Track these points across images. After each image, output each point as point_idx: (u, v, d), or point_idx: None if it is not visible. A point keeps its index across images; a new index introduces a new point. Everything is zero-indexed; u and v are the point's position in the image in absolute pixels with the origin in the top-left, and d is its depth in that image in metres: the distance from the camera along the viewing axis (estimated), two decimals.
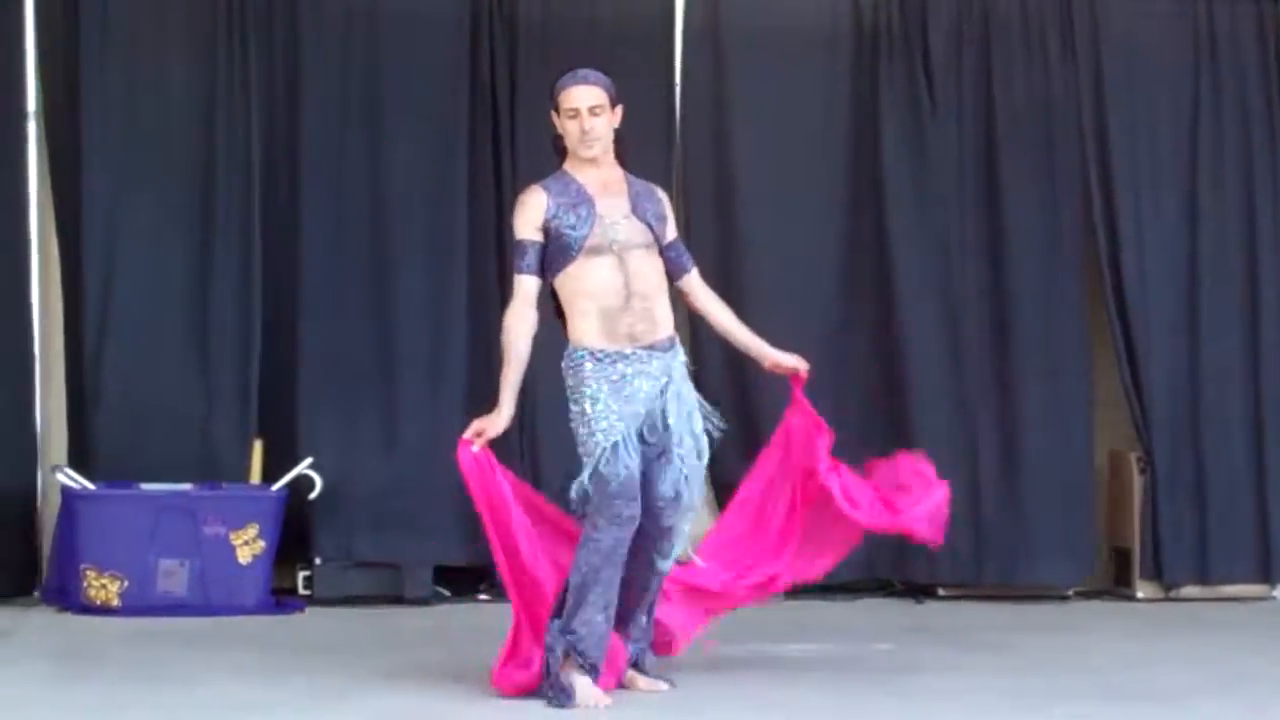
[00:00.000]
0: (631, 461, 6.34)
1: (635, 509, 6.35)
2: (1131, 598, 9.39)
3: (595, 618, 6.35)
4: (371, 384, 9.02)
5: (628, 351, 6.43)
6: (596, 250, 6.46)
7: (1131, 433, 9.44)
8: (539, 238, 6.50)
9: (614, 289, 6.45)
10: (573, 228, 6.46)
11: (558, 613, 6.40)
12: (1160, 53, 9.52)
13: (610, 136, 6.56)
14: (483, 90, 9.14)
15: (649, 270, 6.53)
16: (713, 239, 9.25)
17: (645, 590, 6.58)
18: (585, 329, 6.47)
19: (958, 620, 8.66)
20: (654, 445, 6.43)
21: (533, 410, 8.97)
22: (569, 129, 6.52)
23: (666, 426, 6.45)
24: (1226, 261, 9.48)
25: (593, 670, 6.38)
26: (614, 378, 6.40)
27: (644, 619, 6.67)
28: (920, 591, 9.26)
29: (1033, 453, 9.33)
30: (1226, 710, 6.52)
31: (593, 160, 6.53)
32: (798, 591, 8.96)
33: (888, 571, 9.31)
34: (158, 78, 8.94)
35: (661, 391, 6.46)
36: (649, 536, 6.44)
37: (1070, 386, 9.37)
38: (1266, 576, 9.44)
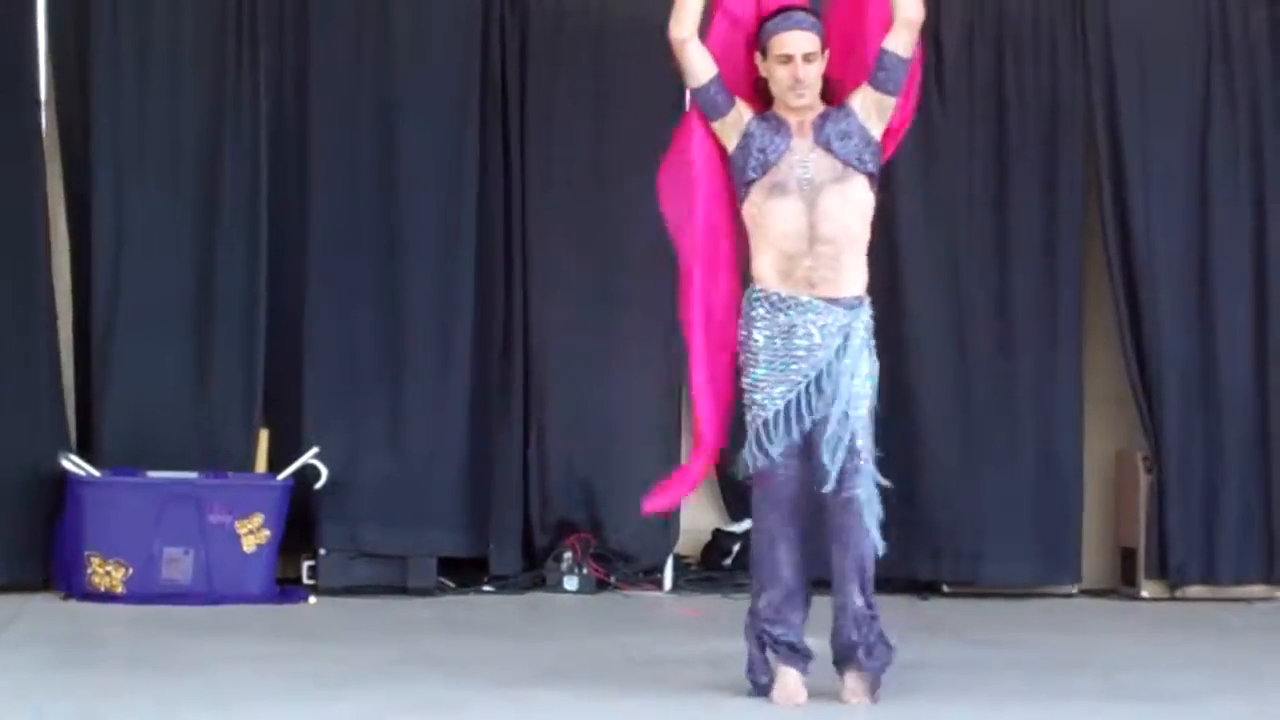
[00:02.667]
0: (790, 435, 6.13)
1: (791, 487, 6.18)
2: (1137, 597, 9.38)
3: (772, 595, 6.27)
4: (377, 375, 9.02)
5: (804, 299, 6.16)
6: (781, 189, 6.17)
7: (1138, 432, 9.42)
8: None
9: (796, 233, 6.16)
10: (761, 152, 6.19)
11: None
12: (1172, 52, 9.50)
13: (819, 84, 6.23)
14: (493, 86, 9.13)
15: (841, 210, 6.19)
16: None
17: (836, 572, 6.32)
18: (764, 270, 6.21)
19: (961, 617, 8.65)
20: (817, 411, 6.14)
21: (540, 385, 9.01)
22: (779, 75, 6.18)
23: (828, 392, 6.13)
24: (1237, 261, 9.47)
25: (791, 656, 6.29)
26: (784, 326, 6.15)
27: (856, 602, 6.34)
28: (924, 588, 9.25)
29: (1029, 452, 9.32)
30: (1232, 710, 6.50)
31: (803, 108, 6.23)
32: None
33: (890, 568, 9.28)
34: (168, 70, 8.93)
35: (837, 353, 6.16)
36: (827, 510, 6.23)
37: (1066, 386, 9.37)
38: (1272, 577, 9.43)
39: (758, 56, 6.27)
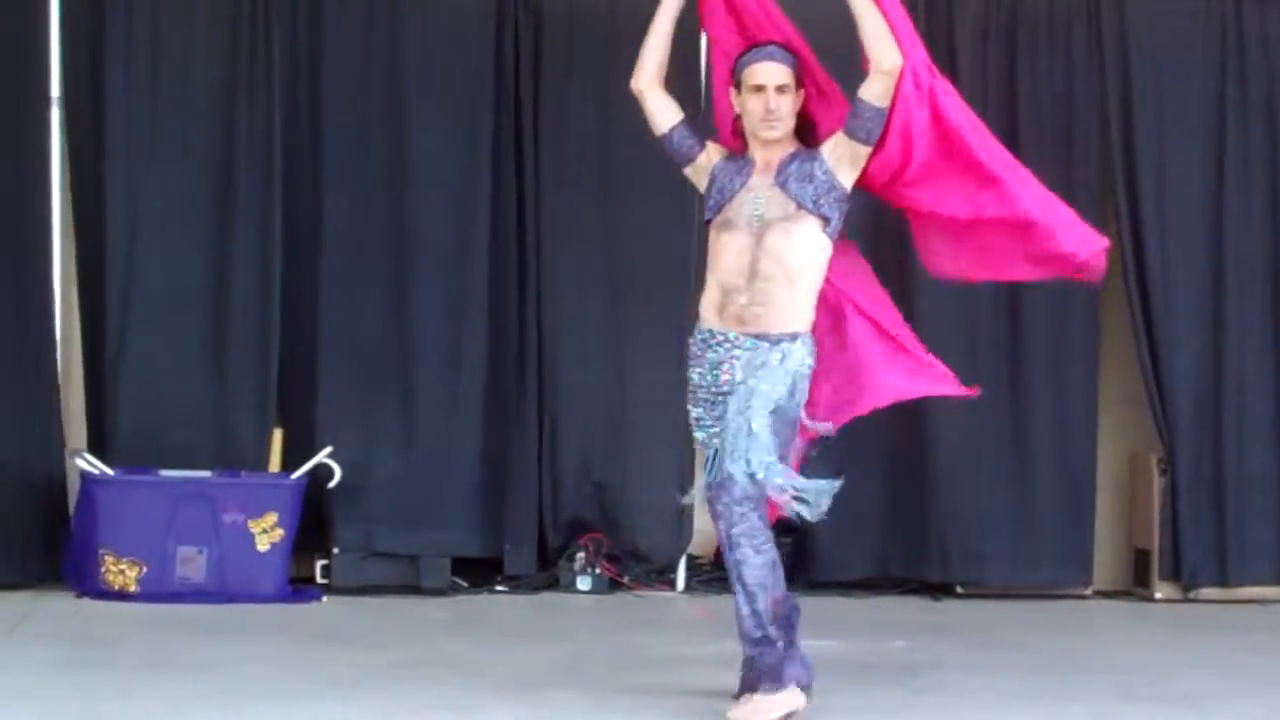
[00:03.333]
0: (722, 459, 6.09)
1: (725, 508, 6.10)
2: (1150, 599, 9.37)
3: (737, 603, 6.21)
4: (391, 374, 9.03)
5: (731, 334, 6.13)
6: (731, 225, 6.15)
7: (1152, 434, 9.41)
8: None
9: (738, 268, 6.13)
10: (720, 191, 6.21)
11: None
12: (1187, 51, 9.48)
13: (793, 120, 6.20)
14: (506, 83, 9.13)
15: (785, 249, 6.11)
16: None
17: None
18: (705, 305, 6.22)
19: (974, 619, 8.65)
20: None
21: (553, 384, 9.02)
22: (751, 107, 6.16)
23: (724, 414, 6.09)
24: (1251, 262, 9.45)
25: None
26: (712, 364, 6.15)
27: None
28: (937, 590, 9.24)
29: (1042, 453, 9.32)
30: (1244, 713, 6.51)
31: (775, 142, 6.20)
32: (816, 588, 9.04)
33: (903, 569, 9.30)
34: (181, 66, 8.94)
35: (742, 381, 6.09)
36: None
37: (1079, 388, 9.36)
38: None
39: (732, 92, 6.26)
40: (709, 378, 6.16)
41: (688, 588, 9.21)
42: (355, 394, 8.97)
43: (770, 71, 6.16)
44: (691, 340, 6.24)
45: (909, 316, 9.00)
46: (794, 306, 6.14)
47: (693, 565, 9.35)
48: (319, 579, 8.84)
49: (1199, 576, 9.34)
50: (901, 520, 9.26)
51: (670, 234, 9.06)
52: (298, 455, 8.78)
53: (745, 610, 6.13)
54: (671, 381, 9.13)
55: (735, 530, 6.06)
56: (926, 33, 9.28)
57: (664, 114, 6.31)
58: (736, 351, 6.12)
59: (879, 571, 9.26)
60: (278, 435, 8.85)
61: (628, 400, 9.22)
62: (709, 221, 6.25)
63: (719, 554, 9.38)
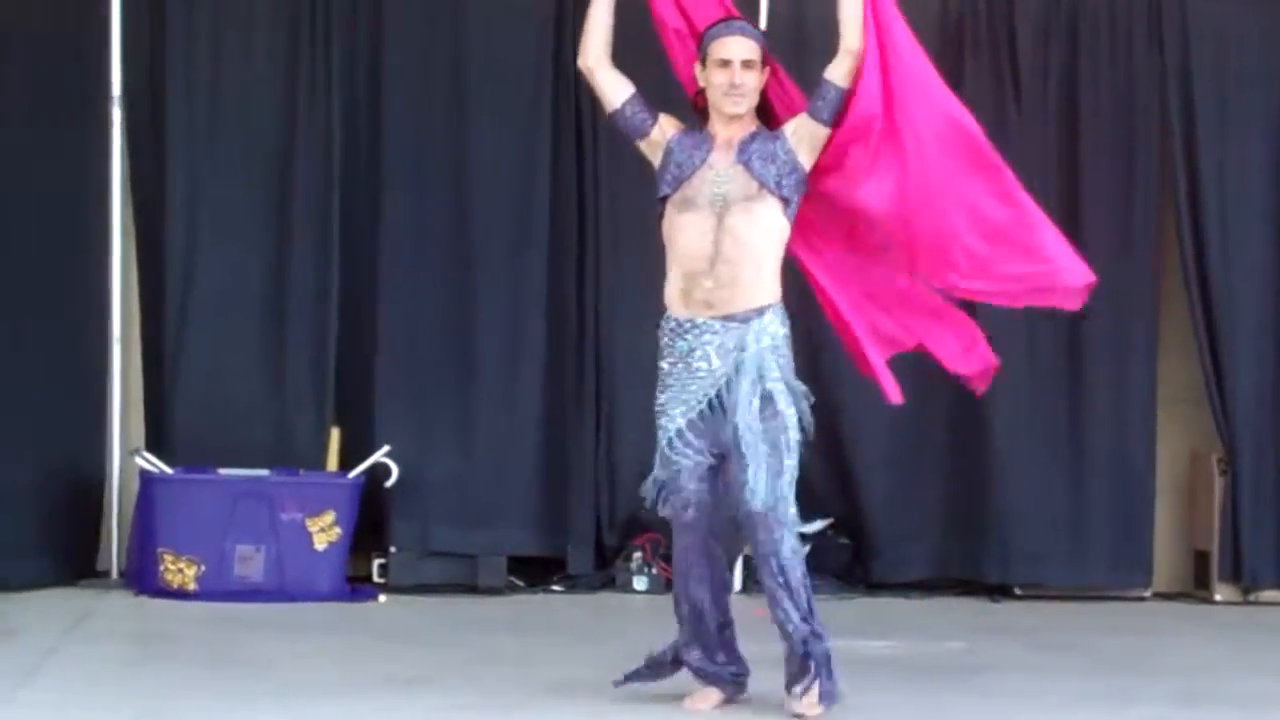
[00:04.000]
0: (688, 456, 6.07)
1: (694, 513, 6.11)
2: (1210, 600, 9.31)
3: (687, 630, 6.27)
4: (449, 373, 9.04)
5: (700, 320, 6.07)
6: (691, 204, 6.09)
7: (1212, 433, 9.36)
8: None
9: (700, 252, 6.06)
10: (679, 166, 6.13)
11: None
12: (1250, 51, 9.43)
13: (757, 96, 6.15)
14: (566, 81, 9.13)
15: (748, 231, 6.06)
16: (794, 233, 9.21)
17: (772, 601, 6.19)
18: (669, 293, 6.17)
19: (1033, 620, 8.62)
20: (721, 438, 6.05)
21: (611, 383, 9.02)
22: (716, 80, 6.10)
23: (726, 415, 6.03)
24: None
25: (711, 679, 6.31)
26: (683, 352, 6.09)
27: (793, 618, 6.17)
28: (995, 591, 9.21)
29: (1101, 454, 9.28)
30: None
31: (737, 118, 6.14)
32: (876, 589, 9.03)
33: (961, 570, 9.27)
34: (241, 65, 8.97)
35: (735, 370, 6.04)
36: (745, 527, 6.17)
37: (1138, 387, 9.31)
38: None
39: (697, 66, 6.20)
40: (680, 366, 6.10)
41: (744, 588, 9.19)
42: (413, 393, 8.98)
43: (737, 46, 6.11)
44: (660, 331, 6.19)
45: (968, 310, 9.09)
46: (760, 283, 6.10)
47: (749, 565, 9.32)
48: (376, 578, 8.86)
49: (1260, 578, 9.28)
50: (961, 521, 9.23)
51: None
52: (355, 454, 8.80)
53: (795, 613, 6.11)
54: None
55: (784, 550, 6.11)
56: (988, 30, 9.30)
57: (615, 89, 6.26)
58: (707, 337, 6.07)
59: (938, 572, 9.24)
60: (335, 434, 8.88)
61: None
62: (665, 198, 6.16)
63: None
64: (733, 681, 6.35)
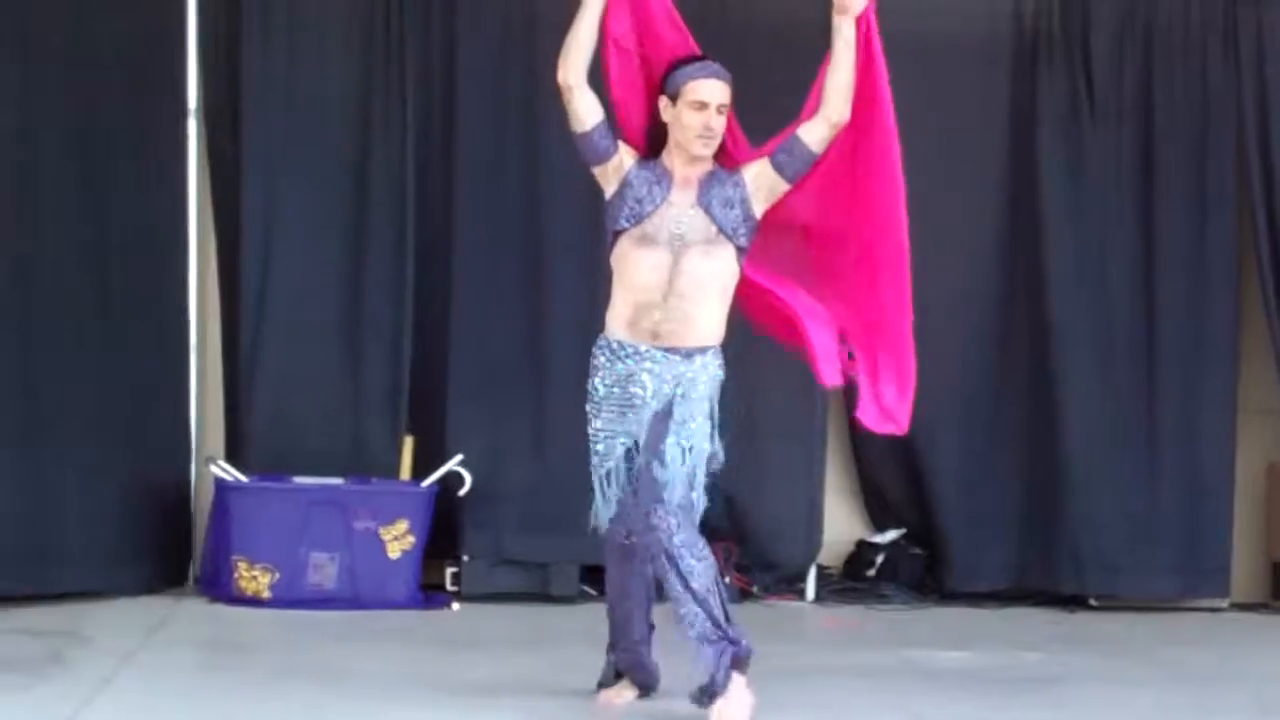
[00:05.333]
0: (626, 489, 6.15)
1: (632, 542, 6.16)
2: None
3: (631, 644, 6.40)
4: (521, 382, 9.04)
5: (643, 348, 6.13)
6: (650, 241, 6.11)
7: None
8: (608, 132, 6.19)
9: (655, 285, 6.11)
10: (638, 201, 6.13)
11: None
12: None
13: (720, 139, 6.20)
14: None
15: (704, 271, 6.12)
16: None
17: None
18: (614, 317, 6.20)
19: (1109, 631, 8.57)
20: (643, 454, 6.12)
21: None
22: (689, 121, 6.11)
23: (657, 437, 6.09)
24: None
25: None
26: (622, 375, 6.14)
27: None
28: (1070, 602, 9.16)
29: (1178, 463, 9.22)
30: None
31: (700, 160, 6.17)
32: (949, 599, 9.00)
33: (1036, 581, 9.22)
34: (315, 75, 9.00)
35: (670, 399, 6.11)
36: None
37: (1217, 397, 9.26)
38: None
39: (662, 101, 6.17)
40: (617, 390, 6.15)
41: (817, 598, 9.17)
42: (486, 401, 8.99)
43: (716, 90, 6.14)
44: (596, 350, 6.23)
45: (1042, 325, 9.07)
46: (709, 323, 6.19)
47: (823, 575, 9.31)
48: (449, 586, 8.87)
49: None
50: (1035, 531, 9.18)
51: None
52: (429, 462, 8.81)
53: (701, 616, 6.05)
54: (802, 390, 9.15)
55: (676, 540, 6.01)
56: (1062, 39, 9.26)
57: (590, 111, 6.19)
58: (648, 364, 6.13)
59: (1014, 583, 9.19)
60: (409, 443, 8.89)
61: (757, 409, 9.16)
62: (620, 230, 6.16)
63: (849, 564, 9.38)
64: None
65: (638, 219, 6.15)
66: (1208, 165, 9.32)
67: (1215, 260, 9.29)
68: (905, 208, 6.33)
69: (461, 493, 8.76)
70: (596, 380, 6.21)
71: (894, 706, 6.56)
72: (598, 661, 7.13)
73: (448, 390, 8.98)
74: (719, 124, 6.14)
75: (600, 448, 6.20)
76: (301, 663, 7.11)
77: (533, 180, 9.07)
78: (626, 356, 6.15)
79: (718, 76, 6.16)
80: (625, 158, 6.22)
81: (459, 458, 8.77)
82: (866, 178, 6.29)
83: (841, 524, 9.40)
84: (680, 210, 6.14)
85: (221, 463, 8.60)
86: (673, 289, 6.11)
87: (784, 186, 6.19)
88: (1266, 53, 9.29)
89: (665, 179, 6.18)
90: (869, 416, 6.34)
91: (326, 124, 8.99)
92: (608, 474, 6.18)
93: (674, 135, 6.17)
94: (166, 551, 8.69)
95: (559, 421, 9.00)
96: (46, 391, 8.35)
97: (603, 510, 6.22)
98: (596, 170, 6.26)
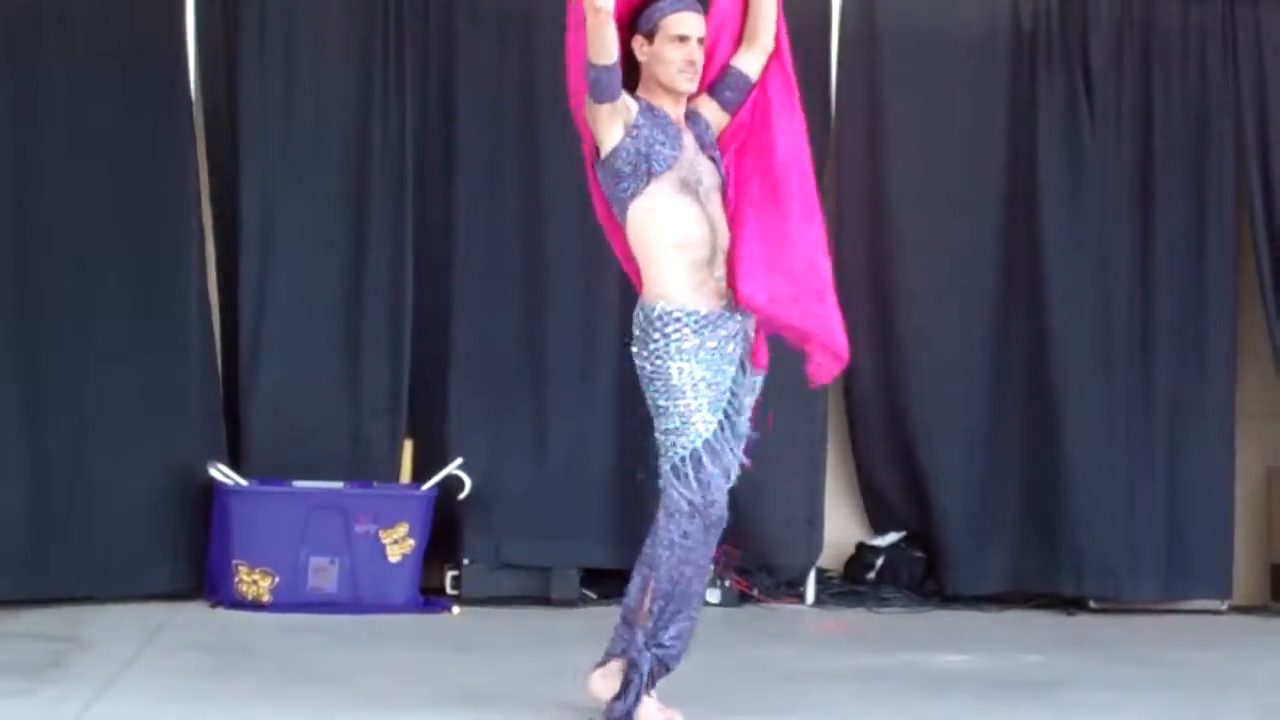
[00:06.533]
0: (729, 460, 5.85)
1: (725, 513, 5.89)
2: None
3: (685, 626, 5.97)
4: (522, 385, 9.04)
5: (718, 312, 5.82)
6: (684, 187, 5.82)
7: None
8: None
9: (702, 239, 5.81)
10: (662, 144, 5.82)
11: (640, 622, 5.98)
12: None
13: None
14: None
15: (720, 217, 5.87)
16: (866, 241, 9.24)
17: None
18: (675, 283, 5.81)
19: (1109, 633, 8.57)
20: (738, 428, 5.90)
21: None
22: (670, 56, 5.85)
23: (737, 401, 5.90)
24: None
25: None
26: (711, 344, 5.79)
27: None
28: (1070, 604, 9.16)
29: (1178, 466, 9.23)
30: None
31: (683, 95, 5.92)
32: (949, 602, 9.00)
33: (1036, 584, 9.22)
34: (315, 77, 9.00)
35: (741, 364, 5.89)
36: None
37: (1216, 401, 9.27)
38: None
39: (637, 40, 5.91)
40: (706, 364, 5.79)
41: (817, 601, 9.17)
42: (486, 405, 8.99)
43: (693, 22, 5.90)
44: (664, 325, 5.80)
45: (1042, 328, 9.07)
46: None
47: (823, 579, 9.31)
48: (449, 590, 8.87)
49: None
50: (1035, 534, 9.18)
51: None
52: (429, 466, 8.81)
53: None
54: (805, 394, 9.15)
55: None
56: (1061, 42, 9.27)
57: (613, 43, 5.73)
58: (723, 331, 5.83)
59: (1013, 585, 9.19)
60: (409, 446, 8.90)
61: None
62: (651, 177, 5.80)
63: (849, 567, 9.38)
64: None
65: (669, 162, 5.84)
66: (1206, 166, 9.33)
67: (1214, 262, 9.30)
68: (807, 139, 6.08)
69: (462, 496, 8.76)
70: (681, 354, 5.79)
71: (894, 710, 6.57)
72: None
73: (448, 393, 8.98)
74: (700, 56, 5.91)
75: (697, 416, 5.78)
76: (302, 667, 7.12)
77: (533, 183, 9.07)
78: (703, 327, 5.80)
79: (692, 8, 5.92)
80: (629, 99, 5.86)
81: (459, 461, 8.77)
82: (767, 112, 6.06)
83: (841, 527, 9.40)
84: (693, 154, 5.90)
85: (222, 466, 8.59)
86: (717, 244, 5.83)
87: (726, 120, 6.01)
88: (1265, 53, 9.31)
89: (666, 121, 5.88)
90: (823, 370, 6.05)
91: (325, 127, 8.99)
92: (706, 446, 5.79)
93: (654, 74, 5.91)
94: (181, 557, 8.66)
95: (560, 425, 9.02)
96: (52, 394, 8.40)
97: (689, 488, 5.80)
98: (603, 109, 5.79)
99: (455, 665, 7.21)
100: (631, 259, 6.01)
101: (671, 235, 5.84)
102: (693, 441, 5.80)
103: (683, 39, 5.89)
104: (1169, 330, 9.28)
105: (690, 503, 5.83)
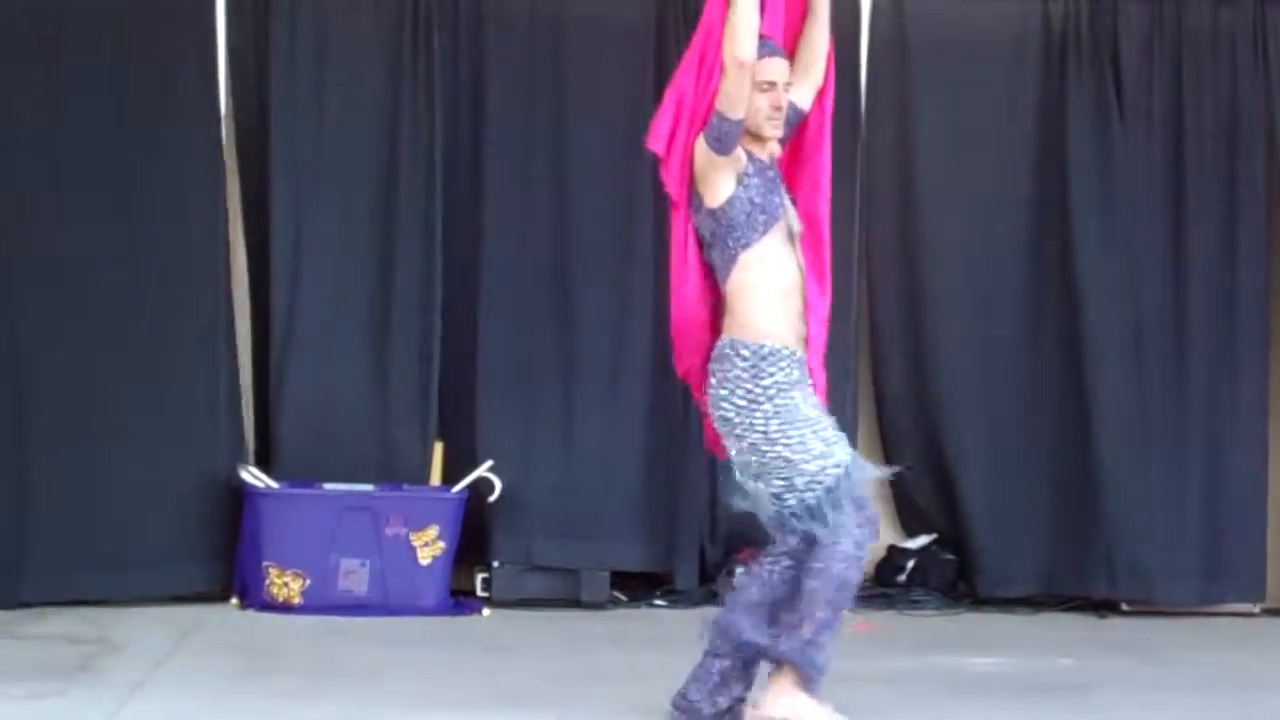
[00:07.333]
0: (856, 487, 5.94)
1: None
2: None
3: (835, 630, 6.05)
4: (551, 387, 9.03)
5: (799, 356, 6.00)
6: (789, 236, 6.00)
7: None
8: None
9: (797, 283, 6.00)
10: (770, 193, 5.98)
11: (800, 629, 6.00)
12: None
13: None
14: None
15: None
16: (897, 244, 9.23)
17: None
18: (776, 324, 5.95)
19: (1141, 636, 8.53)
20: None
21: None
22: (757, 103, 5.95)
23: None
24: None
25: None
26: (803, 385, 5.97)
27: None
28: (1102, 607, 9.13)
29: (1211, 467, 9.19)
30: None
31: (768, 140, 6.04)
32: (980, 604, 8.97)
33: (1068, 586, 9.19)
34: (344, 83, 9.00)
35: None
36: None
37: (1249, 402, 9.22)
38: None
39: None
40: (815, 402, 6.00)
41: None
42: (516, 407, 8.98)
43: (779, 68, 6.03)
44: (777, 362, 5.94)
45: (1074, 332, 9.04)
46: None
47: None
48: (479, 592, 8.86)
49: None
50: (1067, 536, 9.15)
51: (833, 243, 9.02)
52: (459, 468, 8.81)
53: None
54: (834, 397, 9.14)
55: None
56: (1091, 45, 9.24)
57: (746, 98, 5.93)
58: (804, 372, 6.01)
59: (1045, 588, 9.15)
60: (439, 448, 8.90)
61: None
62: (765, 228, 5.95)
63: (880, 569, 9.35)
64: None
65: (779, 213, 5.99)
66: (1237, 166, 9.28)
67: (1246, 264, 9.25)
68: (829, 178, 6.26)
69: (491, 498, 8.75)
70: (800, 390, 5.94)
71: (925, 712, 6.56)
72: (629, 666, 7.18)
73: (477, 396, 8.97)
74: (785, 101, 6.04)
75: (837, 448, 5.92)
76: (333, 669, 7.13)
77: (562, 186, 9.06)
78: (800, 366, 5.98)
79: (777, 54, 6.04)
80: (741, 150, 6.00)
81: (489, 463, 8.76)
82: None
83: None
84: (786, 201, 6.08)
85: (252, 469, 8.60)
86: (800, 289, 6.03)
87: (778, 153, 6.13)
88: None
89: (765, 168, 6.03)
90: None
91: (355, 131, 8.99)
92: (849, 465, 5.90)
93: (746, 122, 5.97)
94: (212, 559, 8.66)
95: (589, 428, 9.01)
96: (83, 397, 8.43)
97: (849, 506, 5.88)
98: (724, 158, 5.93)
99: (485, 667, 7.22)
100: (705, 302, 6.13)
101: (780, 282, 5.99)
102: (841, 462, 5.91)
103: (771, 85, 6.00)
104: (1201, 331, 9.23)
105: (859, 512, 5.93)
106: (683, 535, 9.02)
